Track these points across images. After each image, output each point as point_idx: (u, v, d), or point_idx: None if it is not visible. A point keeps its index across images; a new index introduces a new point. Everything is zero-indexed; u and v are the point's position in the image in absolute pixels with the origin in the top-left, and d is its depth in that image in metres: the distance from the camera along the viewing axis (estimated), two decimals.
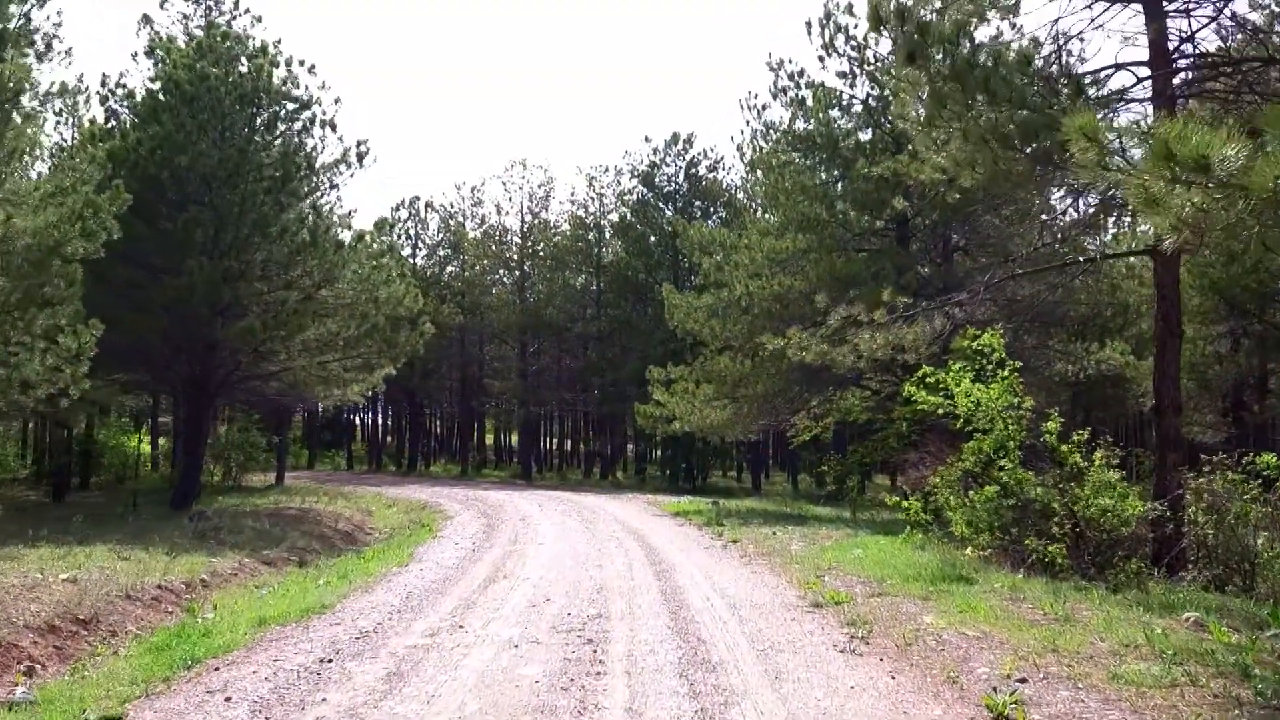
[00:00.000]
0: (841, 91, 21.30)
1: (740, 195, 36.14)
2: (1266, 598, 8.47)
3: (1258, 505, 9.18)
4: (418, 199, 44.25)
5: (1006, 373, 10.96)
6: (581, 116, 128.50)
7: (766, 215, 24.18)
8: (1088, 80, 8.39)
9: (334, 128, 20.90)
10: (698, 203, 38.02)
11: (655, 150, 38.45)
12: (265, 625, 7.58)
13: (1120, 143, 3.93)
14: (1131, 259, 20.46)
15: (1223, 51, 10.92)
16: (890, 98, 19.30)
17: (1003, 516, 10.20)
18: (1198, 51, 10.64)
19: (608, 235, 40.84)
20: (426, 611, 8.10)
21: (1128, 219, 17.13)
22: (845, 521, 16.77)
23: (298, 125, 20.50)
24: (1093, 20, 8.71)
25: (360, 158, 21.26)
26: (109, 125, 19.85)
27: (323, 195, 21.39)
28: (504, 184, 48.19)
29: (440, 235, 44.71)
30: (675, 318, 22.97)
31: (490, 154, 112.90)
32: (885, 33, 8.06)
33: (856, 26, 20.39)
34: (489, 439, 57.10)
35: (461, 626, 7.39)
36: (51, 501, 20.92)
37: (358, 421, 56.95)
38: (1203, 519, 9.68)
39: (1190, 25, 10.32)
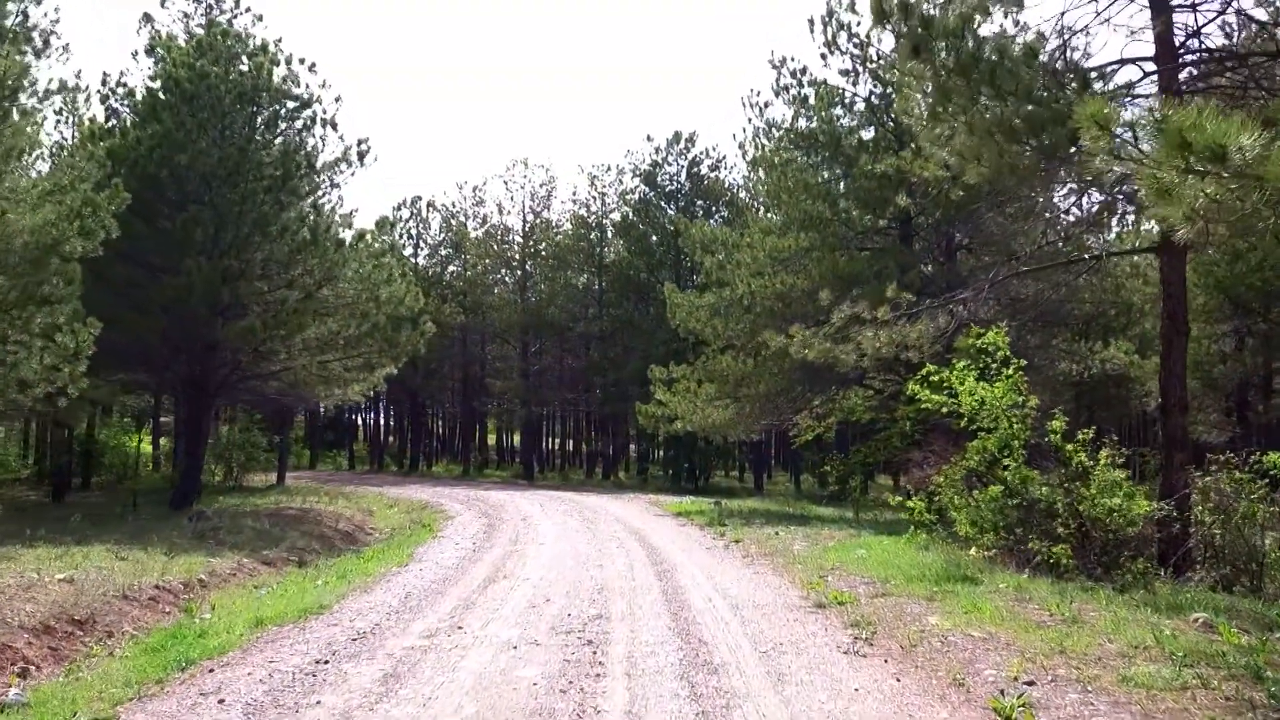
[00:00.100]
0: (844, 89, 21.23)
1: (742, 194, 36.07)
2: (1275, 598, 8.37)
3: (1265, 505, 9.07)
4: (419, 198, 44.26)
5: (1011, 371, 10.86)
6: (583, 116, 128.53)
7: (769, 214, 24.10)
8: (1094, 75, 8.29)
9: (334, 126, 20.87)
10: (700, 202, 37.94)
11: (657, 149, 38.41)
12: (262, 626, 7.50)
13: (1133, 133, 3.84)
14: (1136, 257, 20.37)
15: (1228, 46, 10.83)
16: (893, 95, 19.24)
17: (1007, 516, 10.11)
18: (1203, 47, 10.55)
19: (610, 234, 40.75)
20: (425, 612, 8.01)
21: (1131, 217, 17.03)
22: (848, 522, 16.67)
23: (298, 124, 20.45)
24: (1098, 14, 8.62)
25: (361, 156, 21.21)
26: (109, 124, 19.81)
27: (323, 194, 21.34)
28: (505, 183, 48.22)
29: (442, 235, 44.68)
30: (677, 317, 22.88)
31: (492, 154, 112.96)
32: (888, 27, 7.97)
33: (859, 24, 20.34)
34: (491, 439, 57.04)
35: (460, 627, 7.30)
36: (51, 501, 20.86)
37: (360, 422, 56.96)
38: (1209, 519, 9.57)
39: (1196, 20, 10.23)
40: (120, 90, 20.97)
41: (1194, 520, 9.71)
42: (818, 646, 6.58)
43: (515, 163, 55.31)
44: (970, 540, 10.53)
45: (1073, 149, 7.17)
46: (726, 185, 38.30)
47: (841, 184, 21.18)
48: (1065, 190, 16.39)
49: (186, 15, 24.07)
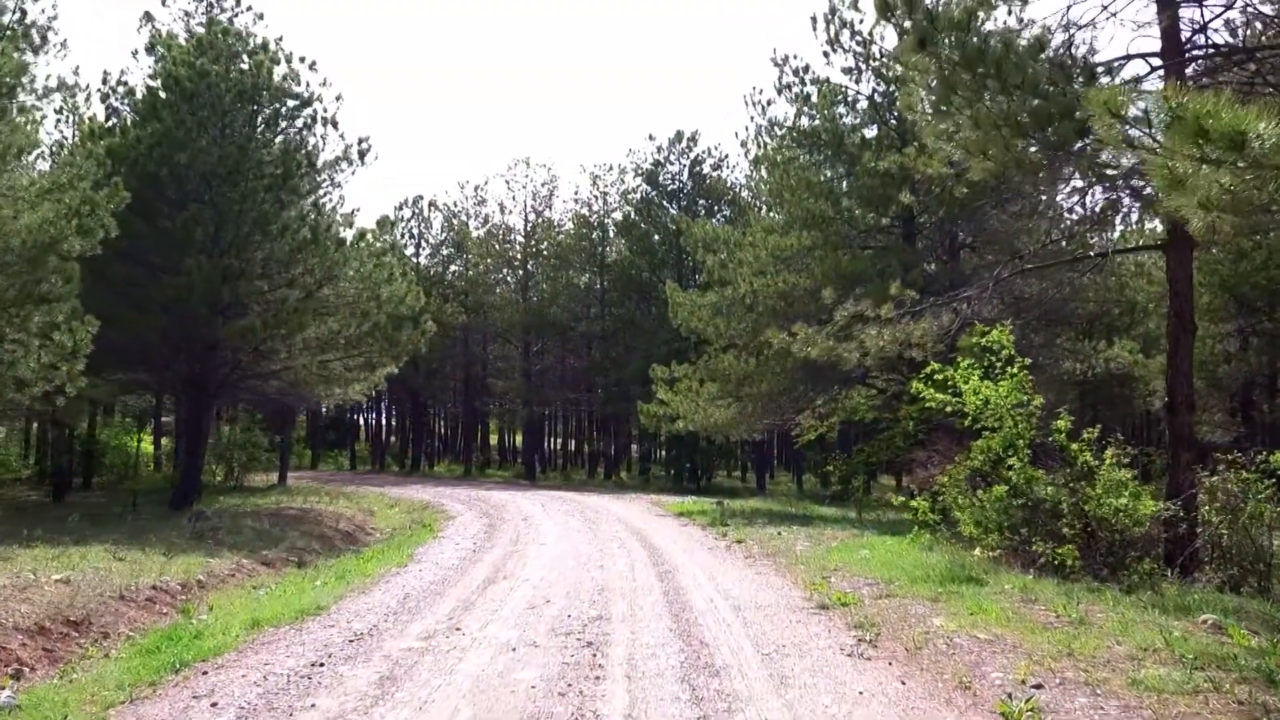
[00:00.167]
0: (846, 87, 21.14)
1: (744, 193, 35.97)
2: None
3: (1272, 505, 8.97)
4: (421, 198, 44.21)
5: (1016, 370, 10.77)
6: (584, 116, 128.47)
7: (771, 213, 24.00)
8: (1100, 70, 8.19)
9: (335, 125, 20.81)
10: (702, 201, 37.84)
11: (659, 148, 38.33)
12: (258, 627, 7.41)
13: (1147, 120, 3.74)
14: (1141, 256, 20.26)
15: (1234, 43, 10.72)
16: (896, 93, 19.14)
17: (1012, 516, 10.01)
18: (1210, 42, 10.45)
19: (612, 234, 40.64)
20: (423, 613, 7.93)
21: (1135, 215, 16.90)
22: (851, 522, 16.57)
23: (299, 122, 20.39)
24: (1105, 8, 8.52)
25: (362, 155, 21.14)
26: (109, 123, 19.75)
27: (324, 193, 21.28)
28: (507, 183, 48.20)
29: (444, 234, 44.59)
30: (679, 316, 22.79)
31: (493, 154, 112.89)
32: (893, 21, 7.87)
33: (861, 21, 20.26)
34: (493, 439, 56.95)
35: (458, 629, 7.21)
36: (52, 501, 20.80)
37: (361, 422, 56.90)
38: (1216, 519, 9.48)
39: (1203, 15, 10.13)
40: (120, 89, 20.91)
41: (1201, 520, 9.61)
42: (821, 649, 6.48)
43: (517, 162, 55.30)
44: (975, 540, 10.43)
45: (1080, 143, 7.09)
46: (729, 184, 38.22)
47: (844, 182, 21.08)
48: (1069, 189, 16.29)
49: (187, 14, 24.05)
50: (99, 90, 20.75)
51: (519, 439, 52.20)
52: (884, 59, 20.13)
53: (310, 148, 20.28)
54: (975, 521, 10.46)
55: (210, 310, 18.61)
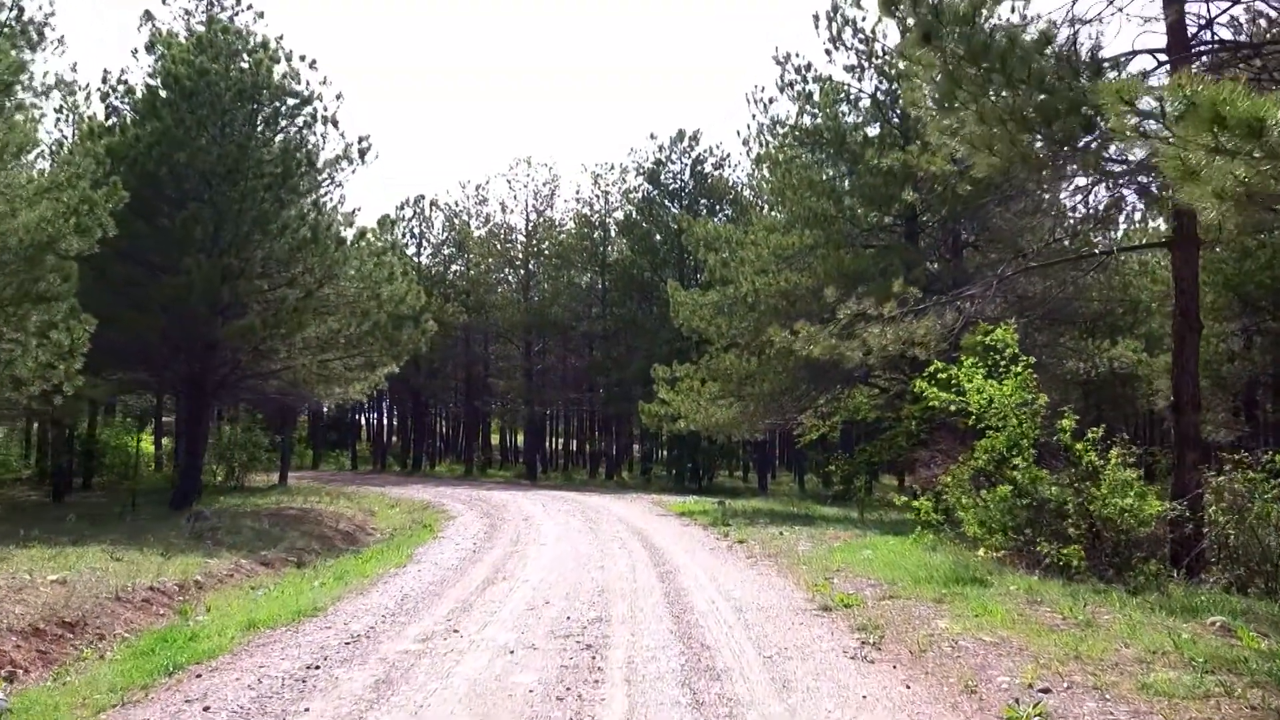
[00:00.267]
0: (849, 85, 21.04)
1: (746, 192, 35.89)
2: None
3: (1279, 505, 8.87)
4: (422, 197, 44.09)
5: (1020, 369, 10.67)
6: (585, 116, 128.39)
7: (773, 211, 23.91)
8: (1106, 65, 8.10)
9: (335, 124, 20.74)
10: (703, 200, 37.74)
11: (661, 147, 38.23)
12: (254, 629, 7.32)
13: (1161, 107, 3.65)
14: (1145, 254, 20.16)
15: (1239, 40, 10.63)
16: (898, 90, 19.04)
17: (1017, 516, 9.92)
18: (1216, 38, 10.36)
19: (613, 233, 40.55)
20: (421, 615, 7.84)
21: (1139, 214, 16.80)
22: (853, 522, 16.48)
23: (299, 121, 20.32)
24: (1110, 2, 8.42)
25: (362, 154, 21.06)
26: (109, 122, 19.68)
27: (325, 192, 21.20)
28: (509, 182, 47.97)
29: (445, 234, 44.51)
30: (680, 315, 22.71)
31: (494, 153, 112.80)
32: (896, 16, 7.78)
33: (864, 19, 20.19)
34: (494, 439, 56.87)
35: (456, 631, 7.12)
36: (52, 501, 20.75)
37: (363, 421, 56.81)
38: (1223, 519, 9.38)
39: (1209, 10, 10.04)
40: (120, 88, 20.84)
41: (1207, 521, 9.52)
42: (824, 651, 6.39)
43: (518, 161, 55.06)
44: (979, 541, 10.34)
45: (1086, 139, 7.00)
46: (730, 183, 38.11)
47: (846, 181, 20.99)
48: (1072, 188, 16.21)
49: (188, 12, 23.98)
50: (99, 89, 20.75)
51: (520, 439, 52.12)
52: (886, 56, 20.05)
53: (310, 146, 20.21)
54: (979, 522, 10.37)
55: (210, 309, 18.54)
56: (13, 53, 12.01)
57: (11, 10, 12.42)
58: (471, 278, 42.89)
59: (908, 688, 5.47)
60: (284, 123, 20.22)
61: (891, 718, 4.94)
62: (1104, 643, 6.12)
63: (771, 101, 22.41)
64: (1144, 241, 18.93)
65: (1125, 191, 13.33)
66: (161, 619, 8.83)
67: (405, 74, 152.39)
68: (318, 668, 6.03)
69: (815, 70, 21.38)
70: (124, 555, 11.17)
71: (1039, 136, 7.03)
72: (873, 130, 20.89)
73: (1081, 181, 12.83)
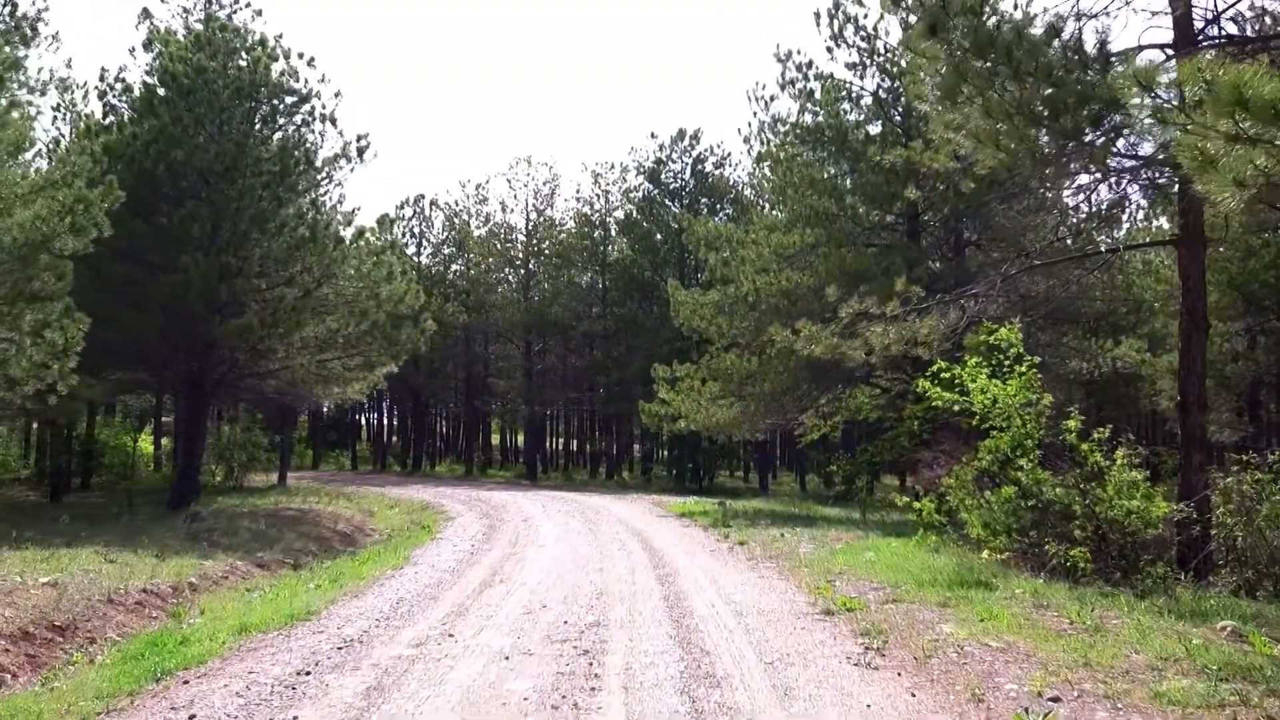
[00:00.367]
0: (850, 83, 20.88)
1: (747, 191, 35.75)
2: None
3: None
4: (422, 197, 43.95)
5: (1024, 368, 10.54)
6: (586, 115, 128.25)
7: (774, 210, 23.76)
8: (1115, 59, 7.95)
9: (334, 122, 20.64)
10: (704, 199, 37.60)
11: (661, 147, 38.11)
12: (246, 633, 7.20)
13: (1179, 92, 3.52)
14: (1149, 253, 20.01)
15: (1246, 35, 10.49)
16: (900, 87, 18.91)
17: (1021, 518, 9.78)
18: (1224, 33, 10.22)
19: (613, 232, 40.41)
20: (416, 618, 7.70)
21: (1142, 214, 16.66)
22: (855, 523, 16.33)
23: (297, 119, 20.20)
24: None
25: (360, 152, 20.94)
26: (106, 120, 19.55)
27: (323, 191, 21.10)
28: (509, 181, 47.86)
29: (445, 233, 44.38)
30: (681, 314, 22.56)
31: (494, 153, 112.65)
32: (900, 10, 7.64)
33: (866, 16, 20.04)
34: (494, 439, 56.74)
35: (451, 635, 6.98)
36: (49, 502, 20.63)
37: (363, 421, 56.70)
38: (1231, 521, 9.24)
39: (1216, 4, 9.91)
40: (118, 86, 20.69)
41: (1215, 522, 9.37)
42: (826, 657, 6.25)
43: (518, 161, 54.80)
44: (982, 543, 10.19)
45: (1093, 134, 6.86)
46: (731, 182, 37.98)
47: (848, 179, 20.84)
48: (1075, 186, 16.08)
49: (186, 10, 23.81)
50: (96, 88, 20.58)
51: (520, 439, 51.98)
52: (888, 54, 19.91)
53: (308, 145, 20.10)
54: (983, 523, 10.22)
55: (208, 308, 18.42)
56: (5, 49, 11.87)
57: (5, 6, 12.28)
58: (471, 277, 42.76)
59: (913, 696, 5.33)
60: (282, 121, 20.11)
61: None
62: (1114, 649, 5.98)
63: (772, 99, 22.24)
64: (1148, 240, 18.79)
65: (1129, 189, 13.19)
66: (154, 622, 8.71)
67: (405, 74, 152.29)
68: (308, 674, 5.89)
69: (816, 68, 21.22)
70: (118, 557, 11.05)
71: (1045, 130, 6.89)
72: (874, 128, 20.74)
73: (1084, 179, 12.68)
